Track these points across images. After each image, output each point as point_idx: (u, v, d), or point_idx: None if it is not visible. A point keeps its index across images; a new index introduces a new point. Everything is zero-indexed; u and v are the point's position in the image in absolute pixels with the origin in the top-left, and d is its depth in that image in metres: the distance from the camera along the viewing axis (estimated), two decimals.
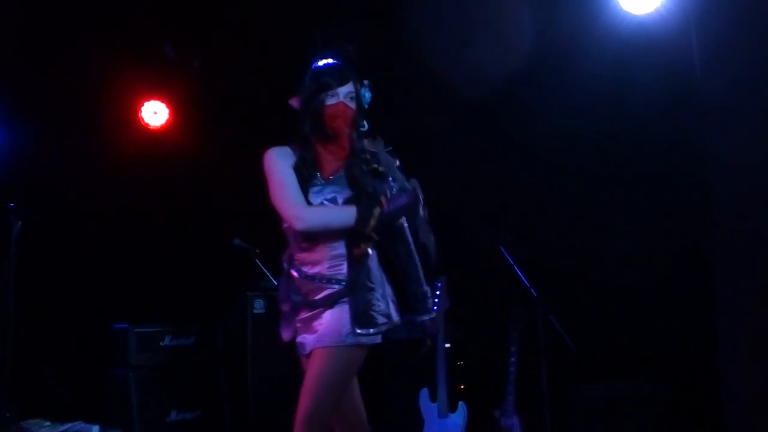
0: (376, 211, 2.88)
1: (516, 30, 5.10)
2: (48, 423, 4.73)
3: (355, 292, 2.91)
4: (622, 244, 5.06)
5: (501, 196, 5.54)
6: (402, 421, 5.14)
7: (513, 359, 4.82)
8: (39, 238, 5.26)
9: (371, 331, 2.92)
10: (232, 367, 5.33)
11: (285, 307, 3.08)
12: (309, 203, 2.96)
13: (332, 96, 2.99)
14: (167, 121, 6.18)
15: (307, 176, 3.00)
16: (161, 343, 5.14)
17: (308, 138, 3.02)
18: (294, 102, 3.07)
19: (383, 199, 2.91)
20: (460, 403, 4.78)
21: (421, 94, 5.64)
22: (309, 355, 2.96)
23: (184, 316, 5.43)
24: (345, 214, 2.91)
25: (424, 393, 4.84)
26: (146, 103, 6.12)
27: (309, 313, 2.98)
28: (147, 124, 6.14)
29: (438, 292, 4.90)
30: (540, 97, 5.25)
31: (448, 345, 4.91)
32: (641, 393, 4.74)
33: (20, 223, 5.00)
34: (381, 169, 3.00)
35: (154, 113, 6.15)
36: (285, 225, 3.02)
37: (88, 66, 5.72)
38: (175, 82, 6.12)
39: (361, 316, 2.90)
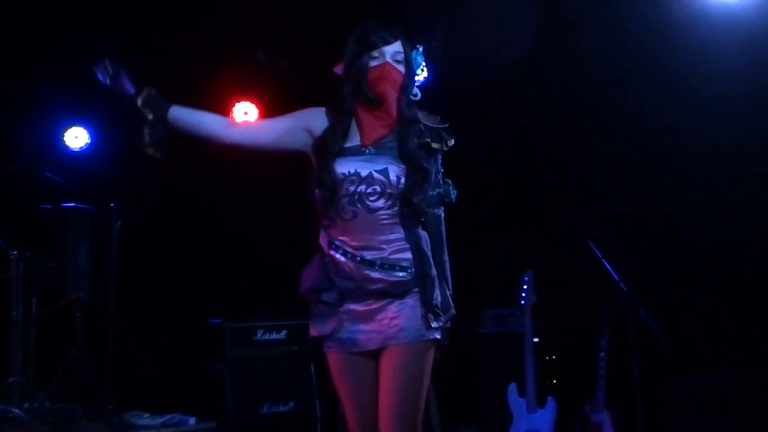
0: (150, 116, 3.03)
1: (607, 21, 5.04)
2: (147, 414, 4.89)
3: (423, 280, 2.62)
4: (714, 234, 4.93)
5: (590, 190, 5.47)
6: (490, 416, 5.13)
7: (603, 354, 4.75)
8: (138, 237, 5.48)
9: (441, 324, 2.64)
10: (322, 361, 5.41)
11: (327, 297, 2.67)
12: (337, 174, 2.65)
13: (377, 57, 2.69)
14: (257, 120, 6.31)
15: (332, 144, 2.69)
16: (254, 338, 5.23)
17: (345, 101, 2.71)
18: (338, 68, 2.77)
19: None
20: (548, 398, 4.74)
21: (506, 87, 5.61)
22: (373, 352, 2.65)
23: (276, 312, 5.53)
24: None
25: (513, 388, 4.82)
26: (237, 104, 6.28)
27: (372, 305, 2.63)
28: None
29: (525, 287, 4.89)
30: (630, 89, 5.17)
31: (536, 340, 4.88)
32: (741, 387, 4.59)
33: (120, 222, 5.22)
34: (434, 145, 2.69)
35: (245, 113, 6.29)
36: (320, 200, 2.70)
37: (181, 68, 5.89)
38: (265, 83, 6.25)
39: (434, 308, 2.61)
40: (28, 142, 5.51)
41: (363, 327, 2.64)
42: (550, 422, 4.68)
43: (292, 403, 5.21)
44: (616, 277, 4.73)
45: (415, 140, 2.67)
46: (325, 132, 2.73)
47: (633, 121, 5.16)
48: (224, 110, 6.25)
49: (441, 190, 2.72)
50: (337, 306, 2.66)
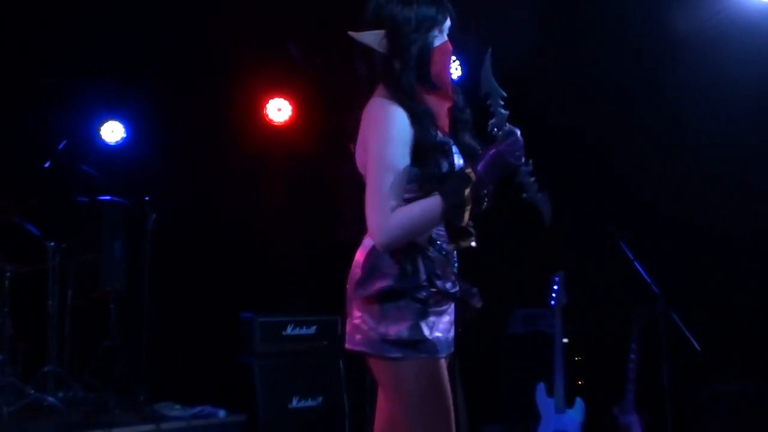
0: (467, 191, 2.19)
1: (657, 25, 5.01)
2: (178, 406, 4.96)
3: None
4: (749, 238, 4.88)
5: (623, 191, 5.44)
6: (519, 416, 5.12)
7: (633, 356, 4.72)
8: (172, 231, 5.54)
9: None
10: (351, 357, 5.43)
11: (423, 294, 2.27)
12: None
13: (440, 33, 2.37)
14: (290, 117, 6.36)
15: (434, 137, 2.31)
16: (284, 333, 5.27)
17: (413, 87, 2.32)
18: (370, 38, 2.37)
19: (470, 172, 2.21)
20: (577, 399, 4.73)
21: (549, 90, 5.59)
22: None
23: (306, 307, 5.56)
24: (430, 211, 2.22)
25: (541, 388, 4.80)
26: (271, 101, 6.33)
27: (445, 306, 2.35)
28: (271, 121, 6.34)
29: (555, 288, 4.87)
30: (663, 89, 5.13)
31: (566, 340, 4.87)
32: None
33: (154, 215, 5.29)
34: (497, 132, 2.31)
35: (278, 110, 6.35)
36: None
37: (216, 64, 5.96)
38: (298, 80, 6.29)
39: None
40: (66, 136, 5.60)
41: (450, 329, 2.37)
42: (578, 423, 4.66)
43: (321, 398, 5.24)
44: (648, 279, 4.70)
45: (468, 133, 2.43)
46: (421, 130, 2.29)
47: (667, 123, 5.12)
48: (258, 106, 6.31)
49: None
50: (434, 306, 2.31)
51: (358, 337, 2.33)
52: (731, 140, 4.93)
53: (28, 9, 5.46)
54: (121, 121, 6.23)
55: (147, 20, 5.64)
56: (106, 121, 6.20)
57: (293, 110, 6.36)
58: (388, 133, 2.25)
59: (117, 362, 5.19)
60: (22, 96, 5.64)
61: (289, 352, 5.25)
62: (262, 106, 6.32)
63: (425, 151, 2.28)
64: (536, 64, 5.39)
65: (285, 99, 6.35)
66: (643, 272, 4.74)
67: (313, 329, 5.37)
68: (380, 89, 2.36)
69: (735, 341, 4.93)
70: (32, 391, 4.82)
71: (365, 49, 2.39)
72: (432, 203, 2.21)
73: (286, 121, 6.36)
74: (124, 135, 6.23)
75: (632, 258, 4.77)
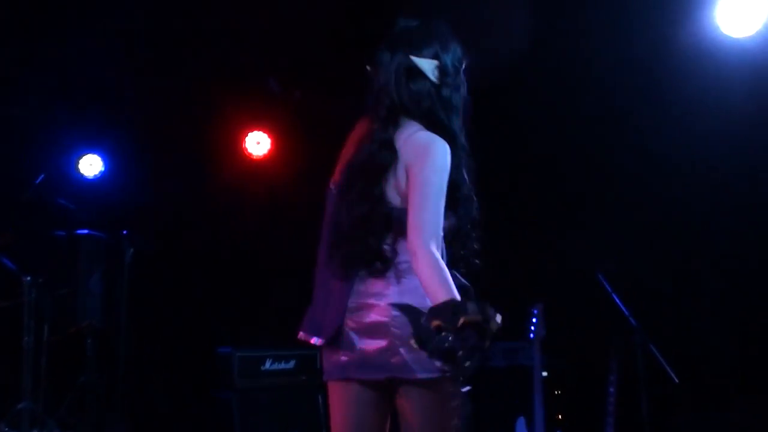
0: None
1: (617, 58, 5.08)
2: None
3: None
4: (725, 271, 4.94)
5: (600, 224, 5.48)
6: None
7: (612, 389, 4.72)
8: (149, 265, 5.51)
9: None
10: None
11: None
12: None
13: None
14: (269, 150, 6.38)
15: (469, 183, 2.46)
16: (263, 367, 5.26)
17: (458, 131, 2.42)
18: (426, 65, 2.39)
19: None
20: None
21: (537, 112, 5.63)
22: None
23: (285, 341, 5.53)
24: (443, 291, 2.20)
25: (521, 422, 4.80)
26: (249, 134, 6.35)
27: None
28: (250, 154, 6.35)
29: (534, 320, 4.89)
30: (639, 121, 5.20)
31: (545, 374, 4.87)
32: (753, 423, 4.58)
33: (132, 249, 5.26)
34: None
35: (257, 143, 6.36)
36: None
37: (195, 98, 5.98)
38: (277, 113, 6.32)
39: None
40: (43, 170, 5.57)
41: None
42: None
43: None
44: (625, 311, 4.72)
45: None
46: (457, 173, 2.39)
47: (643, 158, 5.18)
48: (237, 140, 6.32)
49: None
50: None
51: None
52: (709, 172, 5.01)
53: (7, 41, 5.45)
54: (99, 155, 6.21)
55: (126, 54, 5.66)
56: (85, 154, 6.19)
57: (272, 143, 6.38)
58: (442, 163, 2.31)
59: (93, 398, 5.13)
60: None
61: (267, 387, 5.24)
62: (241, 140, 6.34)
63: (462, 196, 2.40)
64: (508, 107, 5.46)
65: (264, 132, 6.37)
66: (620, 304, 4.76)
67: (291, 363, 5.36)
68: (412, 123, 2.39)
69: (713, 371, 4.97)
70: (6, 429, 4.75)
71: (398, 79, 2.40)
72: (451, 290, 2.20)
73: (265, 155, 6.38)
74: (103, 169, 6.21)
75: (610, 290, 4.80)
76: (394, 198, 2.35)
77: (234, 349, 5.20)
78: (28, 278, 5.12)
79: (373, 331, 2.34)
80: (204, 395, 5.32)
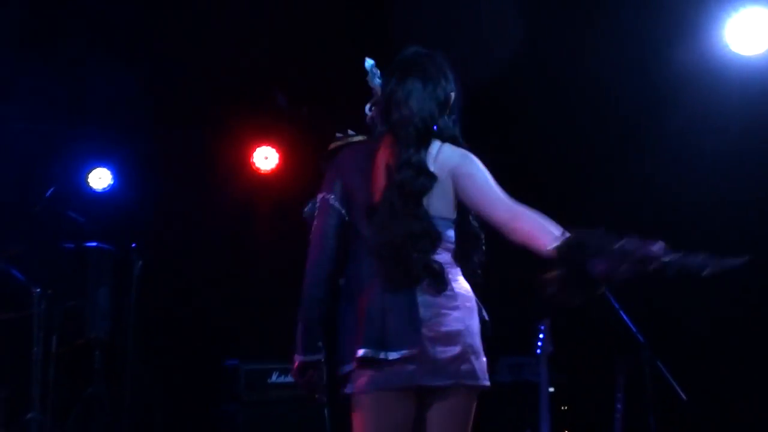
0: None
1: (626, 73, 5.09)
2: None
3: None
4: (734, 287, 4.92)
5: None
6: None
7: (619, 405, 4.72)
8: (158, 278, 5.54)
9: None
10: (336, 405, 5.41)
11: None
12: None
13: None
14: (277, 165, 6.41)
15: None
16: (269, 380, 5.26)
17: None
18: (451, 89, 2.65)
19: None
20: None
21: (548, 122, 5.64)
22: None
23: (292, 355, 5.53)
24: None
25: None
26: (258, 149, 6.38)
27: None
28: (258, 169, 6.38)
29: (541, 336, 4.89)
30: (647, 137, 5.22)
31: (552, 389, 4.87)
32: None
33: (141, 262, 5.28)
34: None
35: (265, 158, 6.40)
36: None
37: (203, 113, 6.02)
38: (285, 128, 6.35)
39: None
40: (54, 183, 5.61)
41: None
42: None
43: None
44: (633, 328, 4.72)
45: None
46: None
47: (655, 163, 5.19)
48: (245, 155, 6.36)
49: None
50: None
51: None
52: (718, 190, 5.01)
53: (19, 54, 5.50)
54: (108, 168, 6.25)
55: (136, 68, 5.70)
56: (94, 168, 6.22)
57: (280, 158, 6.41)
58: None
59: (101, 410, 5.14)
60: (10, 142, 5.66)
61: (274, 400, 5.23)
62: (249, 155, 6.37)
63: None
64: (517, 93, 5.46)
65: (272, 147, 6.40)
66: (628, 321, 4.76)
67: None
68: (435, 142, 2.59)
69: (722, 390, 4.95)
70: None
71: (439, 109, 2.62)
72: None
73: (273, 169, 6.41)
74: (112, 182, 6.24)
75: (617, 307, 4.80)
76: (439, 211, 2.54)
77: (241, 362, 5.21)
78: (38, 290, 5.14)
79: (448, 339, 2.46)
80: (211, 408, 5.33)
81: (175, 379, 5.76)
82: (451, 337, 2.47)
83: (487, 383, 2.54)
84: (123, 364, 5.23)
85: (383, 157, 2.59)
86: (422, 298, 2.47)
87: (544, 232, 2.40)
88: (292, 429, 5.20)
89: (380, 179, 2.56)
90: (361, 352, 2.43)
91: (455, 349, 2.46)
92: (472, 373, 2.49)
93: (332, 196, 2.62)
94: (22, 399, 5.03)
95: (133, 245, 5.28)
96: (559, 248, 2.33)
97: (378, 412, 2.48)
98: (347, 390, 2.52)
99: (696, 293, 5.03)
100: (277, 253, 6.23)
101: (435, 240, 2.52)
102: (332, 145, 2.74)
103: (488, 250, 2.64)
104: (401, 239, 2.46)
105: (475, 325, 2.55)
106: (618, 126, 5.32)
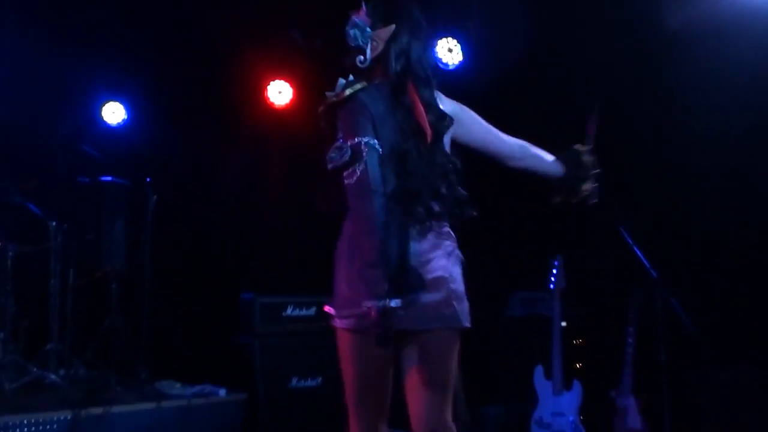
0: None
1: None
2: (179, 384, 4.99)
3: None
4: (749, 223, 4.90)
5: (621, 177, 5.44)
6: (517, 398, 5.17)
7: (630, 340, 4.76)
8: (173, 211, 5.57)
9: None
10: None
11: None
12: None
13: None
14: (291, 100, 6.37)
15: None
16: (284, 313, 5.31)
17: None
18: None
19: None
20: (575, 381, 4.77)
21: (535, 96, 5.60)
22: None
23: (307, 288, 5.59)
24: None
25: (539, 370, 4.85)
26: (272, 83, 6.34)
27: None
28: (272, 103, 6.35)
29: (554, 271, 4.90)
30: (667, 81, 5.15)
31: (564, 323, 4.90)
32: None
33: (155, 196, 5.31)
34: None
35: (279, 93, 6.35)
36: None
37: (218, 48, 5.96)
38: (299, 62, 6.30)
39: None
40: (68, 117, 5.60)
41: None
42: (576, 405, 4.70)
43: (319, 379, 5.29)
44: (646, 263, 4.72)
45: None
46: None
47: (667, 113, 5.13)
48: (259, 89, 6.32)
49: None
50: None
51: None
52: (729, 129, 4.93)
53: None
54: (122, 103, 6.23)
55: (149, 3, 5.64)
56: (108, 102, 6.21)
57: (294, 93, 6.37)
58: None
59: (118, 341, 5.23)
60: (25, 77, 5.64)
61: (288, 332, 5.29)
62: (263, 89, 6.33)
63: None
64: (530, 59, 5.40)
65: (286, 82, 6.35)
66: (641, 256, 4.76)
67: (312, 310, 5.41)
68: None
69: (732, 325, 4.96)
70: (35, 369, 4.88)
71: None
72: None
73: (287, 104, 6.37)
74: (125, 116, 6.23)
75: (630, 242, 4.80)
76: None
77: (256, 295, 5.25)
78: (54, 223, 5.20)
79: (433, 285, 2.56)
80: (226, 340, 5.40)
81: (191, 312, 5.83)
82: (437, 284, 2.57)
83: (468, 324, 2.64)
84: (139, 296, 5.30)
85: (403, 100, 2.64)
86: (413, 246, 2.55)
87: (545, 154, 3.02)
88: (306, 361, 5.26)
89: (404, 120, 2.62)
90: (369, 303, 2.44)
91: (439, 295, 2.57)
92: (455, 317, 2.60)
93: (367, 138, 2.56)
94: (41, 330, 5.13)
95: (148, 179, 5.30)
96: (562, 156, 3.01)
97: (361, 349, 2.70)
98: (336, 324, 2.80)
99: (710, 227, 5.02)
100: (291, 187, 6.24)
101: (461, 175, 2.67)
102: (342, 93, 2.75)
103: (503, 190, 2.78)
104: (434, 177, 2.60)
105: (457, 271, 2.65)
106: (616, 77, 5.25)
